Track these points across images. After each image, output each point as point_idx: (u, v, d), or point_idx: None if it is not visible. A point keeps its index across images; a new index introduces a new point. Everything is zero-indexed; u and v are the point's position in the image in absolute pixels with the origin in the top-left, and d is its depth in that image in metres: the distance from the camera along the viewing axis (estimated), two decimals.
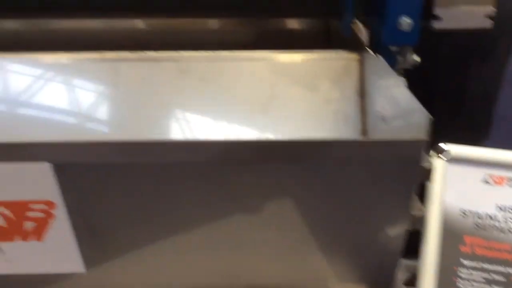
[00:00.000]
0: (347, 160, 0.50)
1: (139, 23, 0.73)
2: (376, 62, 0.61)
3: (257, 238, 0.55)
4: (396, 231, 0.54)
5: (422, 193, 0.60)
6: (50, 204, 0.48)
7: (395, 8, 0.58)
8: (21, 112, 0.52)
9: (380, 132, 0.55)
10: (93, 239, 0.51)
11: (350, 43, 0.65)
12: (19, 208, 0.48)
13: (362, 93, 0.61)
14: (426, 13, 0.59)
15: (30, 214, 0.48)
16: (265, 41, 0.75)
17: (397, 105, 0.54)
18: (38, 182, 0.46)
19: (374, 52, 0.62)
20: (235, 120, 0.59)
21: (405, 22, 0.58)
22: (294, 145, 0.51)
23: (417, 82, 0.62)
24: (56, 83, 0.57)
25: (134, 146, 0.46)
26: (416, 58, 0.63)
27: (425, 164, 0.59)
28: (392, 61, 0.63)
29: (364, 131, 0.61)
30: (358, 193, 0.52)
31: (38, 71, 0.58)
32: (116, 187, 0.48)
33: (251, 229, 0.55)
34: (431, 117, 0.47)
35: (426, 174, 0.56)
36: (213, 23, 0.75)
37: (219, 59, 0.62)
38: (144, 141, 0.47)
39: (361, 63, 0.62)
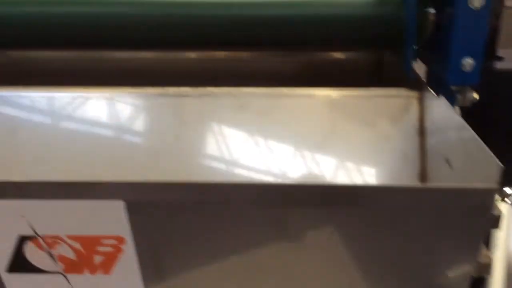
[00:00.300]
0: (409, 206, 0.50)
1: (192, 55, 0.75)
2: (437, 101, 0.61)
3: (315, 282, 0.55)
4: (461, 278, 0.53)
5: (486, 238, 0.59)
6: (120, 239, 0.49)
7: (459, 50, 0.58)
8: (95, 150, 0.55)
9: (443, 176, 0.55)
10: (159, 275, 0.52)
11: (406, 79, 0.65)
12: (90, 242, 0.49)
13: (422, 132, 0.61)
14: (488, 54, 0.59)
15: (100, 248, 0.50)
16: (315, 74, 0.76)
17: (463, 149, 0.54)
18: (110, 219, 0.47)
19: (433, 90, 0.62)
20: (293, 157, 0.60)
21: (468, 63, 0.58)
22: (353, 190, 0.51)
23: (476, 120, 0.61)
24: (122, 120, 0.59)
25: (202, 187, 0.47)
26: (475, 96, 0.63)
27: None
28: (451, 99, 0.63)
29: (423, 171, 0.61)
30: (421, 238, 0.52)
31: (104, 107, 0.60)
32: (184, 225, 0.49)
33: (309, 271, 0.55)
34: (501, 165, 0.47)
35: (493, 221, 0.55)
36: (264, 56, 0.76)
37: (277, 95, 0.63)
38: (212, 182, 0.48)
39: (421, 101, 0.62)
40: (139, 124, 0.60)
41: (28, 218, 0.48)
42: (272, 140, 0.61)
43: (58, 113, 0.60)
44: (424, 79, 0.65)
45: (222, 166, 0.58)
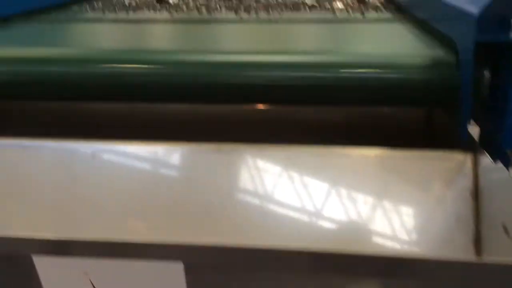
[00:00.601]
0: (464, 280, 0.49)
1: (239, 110, 0.76)
2: (493, 165, 0.60)
3: None
4: None
5: None
6: None
7: None
8: (150, 206, 0.56)
9: (500, 244, 0.54)
10: None
11: (458, 140, 0.64)
12: None
13: (477, 196, 0.61)
14: None
15: None
16: (364, 130, 0.76)
17: None
18: (169, 280, 0.48)
19: (488, 152, 0.62)
20: (342, 219, 0.60)
21: None
22: (405, 262, 0.50)
23: None
24: (176, 175, 0.61)
25: (257, 253, 0.47)
26: None
27: None
28: (506, 162, 0.62)
29: (478, 238, 0.60)
30: None
31: (155, 162, 0.62)
32: None
33: None
34: None
35: None
36: (309, 112, 0.77)
37: (327, 153, 0.63)
38: (269, 248, 0.48)
39: (475, 164, 0.62)
40: (193, 180, 0.61)
41: (90, 276, 0.49)
42: (321, 201, 0.61)
43: (113, 166, 0.62)
44: (478, 141, 0.65)
45: (273, 225, 0.58)
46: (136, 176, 0.62)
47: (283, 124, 0.75)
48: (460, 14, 0.60)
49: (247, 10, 1.05)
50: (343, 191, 0.61)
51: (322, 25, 0.91)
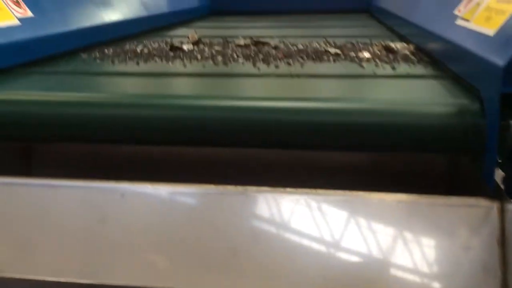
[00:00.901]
0: None
1: (267, 154, 0.77)
2: None
3: None
4: None
5: None
6: None
7: None
8: (176, 254, 0.57)
9: None
10: None
11: (483, 187, 0.65)
12: None
13: (503, 243, 0.61)
14: None
15: None
16: (386, 174, 0.77)
17: None
18: None
19: None
20: (368, 265, 0.60)
21: None
22: None
23: None
24: (199, 218, 0.62)
25: None
26: None
27: None
28: None
29: (505, 285, 0.60)
30: None
31: (182, 204, 0.63)
32: None
33: None
34: None
35: None
36: (333, 157, 0.78)
37: (352, 198, 0.63)
38: None
39: (502, 212, 0.62)
40: (219, 223, 0.62)
41: None
42: (346, 246, 0.61)
43: (141, 207, 0.63)
44: (504, 189, 0.65)
45: (298, 269, 0.59)
46: (162, 218, 0.63)
47: (307, 168, 0.76)
48: (485, 64, 0.61)
49: (266, 59, 0.96)
50: (368, 237, 0.62)
51: (347, 80, 0.86)
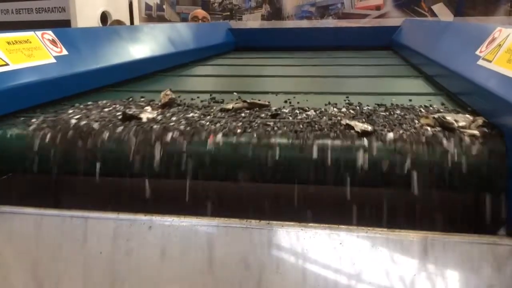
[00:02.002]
0: None
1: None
2: None
3: None
4: None
5: None
6: None
7: None
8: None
9: None
10: None
11: (507, 225, 0.65)
12: None
13: None
14: None
15: None
16: (410, 211, 0.77)
17: None
18: None
19: None
20: None
21: None
22: None
23: None
24: (226, 253, 0.63)
25: None
26: None
27: None
28: None
29: None
30: None
31: (208, 237, 0.65)
32: None
33: None
34: None
35: None
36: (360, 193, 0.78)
37: (374, 235, 0.64)
38: None
39: None
40: (245, 257, 0.63)
41: None
42: (367, 281, 0.62)
43: (168, 240, 0.65)
44: None
45: None
46: (187, 250, 0.64)
47: (328, 204, 0.77)
48: (509, 107, 0.62)
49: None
50: (390, 273, 0.62)
51: None
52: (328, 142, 0.67)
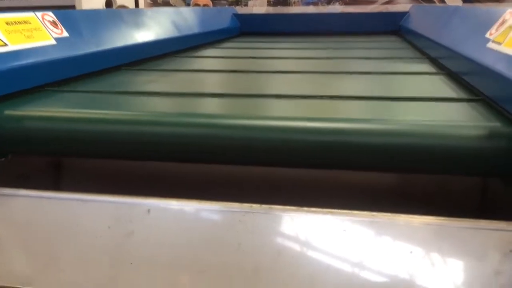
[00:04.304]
0: None
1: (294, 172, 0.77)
2: None
3: None
4: None
5: None
6: None
7: None
8: (199, 271, 0.57)
9: None
10: None
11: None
12: None
13: None
14: None
15: None
16: (414, 195, 0.76)
17: None
18: None
19: None
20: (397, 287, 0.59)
21: None
22: None
23: None
24: (224, 237, 0.62)
25: None
26: None
27: None
28: None
29: None
30: None
31: (208, 221, 0.64)
32: None
33: None
34: None
35: None
36: (365, 176, 0.77)
37: (378, 220, 0.62)
38: None
39: None
40: (243, 241, 0.62)
41: None
42: (373, 270, 0.60)
43: (167, 223, 0.64)
44: None
45: None
46: (187, 235, 0.63)
47: (335, 187, 0.76)
48: None
49: None
50: (394, 259, 0.60)
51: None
52: None
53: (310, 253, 0.62)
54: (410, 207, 0.67)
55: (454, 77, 0.98)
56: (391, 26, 2.28)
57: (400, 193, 0.75)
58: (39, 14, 0.96)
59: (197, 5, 3.56)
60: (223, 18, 2.33)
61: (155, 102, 0.83)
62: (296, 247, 0.62)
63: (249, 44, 1.99)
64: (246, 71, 1.10)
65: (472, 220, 0.61)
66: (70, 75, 0.98)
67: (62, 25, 1.01)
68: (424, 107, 0.77)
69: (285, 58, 1.52)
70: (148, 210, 0.64)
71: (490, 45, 0.79)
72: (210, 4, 3.67)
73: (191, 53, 1.60)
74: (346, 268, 0.61)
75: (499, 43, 0.75)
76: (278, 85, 0.96)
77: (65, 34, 1.00)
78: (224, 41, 2.08)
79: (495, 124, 0.63)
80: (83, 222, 0.66)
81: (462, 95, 0.83)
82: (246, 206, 0.64)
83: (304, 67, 1.27)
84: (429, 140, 0.62)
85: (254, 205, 0.64)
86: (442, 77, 1.02)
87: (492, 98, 0.72)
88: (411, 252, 0.60)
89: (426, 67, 1.18)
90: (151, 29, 1.45)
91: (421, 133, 0.63)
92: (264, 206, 0.64)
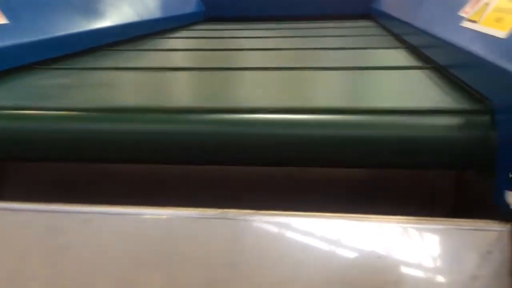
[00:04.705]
0: None
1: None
2: None
3: None
4: None
5: None
6: None
7: None
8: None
9: None
10: None
11: (493, 208, 0.57)
12: None
13: None
14: None
15: None
16: (386, 190, 0.70)
17: None
18: None
19: None
20: None
21: None
22: None
23: None
24: (172, 246, 0.55)
25: None
26: None
27: None
28: None
29: None
30: None
31: (155, 229, 0.56)
32: None
33: None
34: None
35: None
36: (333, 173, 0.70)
37: (338, 220, 0.56)
38: None
39: None
40: (193, 249, 0.55)
41: None
42: (340, 273, 0.54)
43: (107, 233, 0.56)
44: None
45: None
46: (128, 247, 0.56)
47: (303, 185, 0.69)
48: (497, 71, 0.53)
49: None
50: (364, 265, 0.54)
51: None
52: None
53: (270, 262, 0.55)
54: (381, 205, 0.61)
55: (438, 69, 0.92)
56: (363, 9, 2.21)
57: (373, 191, 0.69)
58: None
59: None
60: (186, 2, 2.20)
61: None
62: (253, 253, 0.55)
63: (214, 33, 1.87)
64: (200, 69, 0.98)
65: (445, 219, 0.56)
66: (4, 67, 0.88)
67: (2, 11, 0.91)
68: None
69: (251, 50, 1.36)
70: (85, 220, 0.57)
71: (465, 24, 0.72)
72: None
73: (135, 46, 1.39)
74: (312, 272, 0.54)
75: (475, 22, 0.69)
76: (243, 85, 0.87)
77: (4, 21, 0.91)
78: (185, 28, 1.96)
79: (470, 112, 0.56)
80: (11, 234, 0.58)
81: (436, 79, 0.77)
82: (196, 211, 0.57)
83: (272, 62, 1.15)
84: (394, 130, 0.56)
85: (209, 210, 0.57)
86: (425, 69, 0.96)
87: (467, 83, 0.66)
88: (379, 257, 0.54)
89: (403, 56, 1.12)
90: (98, 14, 1.34)
91: (385, 122, 0.56)
92: (218, 210, 0.57)
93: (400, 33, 1.37)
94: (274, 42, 1.49)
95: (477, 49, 0.61)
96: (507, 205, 0.57)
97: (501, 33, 0.58)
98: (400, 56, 1.06)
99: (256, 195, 0.72)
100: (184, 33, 1.75)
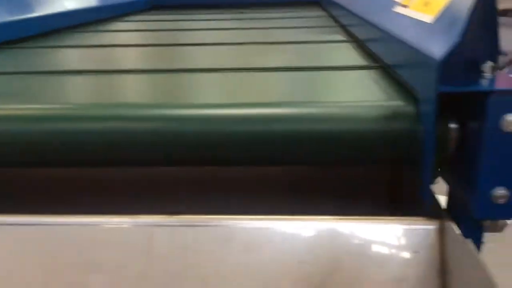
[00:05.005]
0: None
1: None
2: (460, 235, 0.49)
3: None
4: None
5: None
6: None
7: (488, 177, 0.47)
8: None
9: None
10: None
11: (423, 204, 0.53)
12: None
13: (444, 273, 0.50)
14: None
15: None
16: (315, 189, 0.65)
17: None
18: None
19: (457, 219, 0.51)
20: None
21: (501, 194, 0.47)
22: None
23: None
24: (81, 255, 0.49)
25: None
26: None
27: None
28: (476, 233, 0.51)
29: None
30: None
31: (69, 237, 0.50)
32: None
33: None
34: None
35: None
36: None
37: (270, 224, 0.51)
38: None
39: (441, 235, 0.51)
40: (103, 259, 0.49)
41: None
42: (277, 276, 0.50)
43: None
44: (446, 207, 0.54)
45: None
46: (40, 259, 0.49)
47: (225, 184, 0.64)
48: (421, 58, 0.50)
49: None
50: (289, 270, 0.50)
51: None
52: None
53: (181, 270, 0.50)
54: (309, 204, 0.57)
55: (362, 46, 0.88)
56: None
57: (304, 189, 0.64)
58: None
59: None
60: None
61: None
62: (166, 263, 0.50)
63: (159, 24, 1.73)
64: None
65: (369, 218, 0.52)
66: None
67: None
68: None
69: (200, 45, 1.22)
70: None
71: (397, 8, 0.69)
72: None
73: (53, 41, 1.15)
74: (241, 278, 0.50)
75: (406, 6, 0.65)
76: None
77: None
78: (128, 17, 1.82)
79: (395, 102, 0.53)
80: None
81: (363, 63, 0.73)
82: (121, 219, 0.51)
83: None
84: (316, 124, 0.51)
85: (138, 216, 0.51)
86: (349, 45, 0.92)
87: (397, 71, 0.62)
88: (299, 262, 0.50)
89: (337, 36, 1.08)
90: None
91: (306, 115, 0.52)
92: (172, 216, 0.51)
93: (343, 22, 1.34)
94: (215, 35, 1.36)
95: (404, 34, 0.58)
96: (433, 199, 0.54)
97: (428, 18, 0.54)
98: (341, 48, 1.02)
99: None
100: (121, 26, 1.57)
